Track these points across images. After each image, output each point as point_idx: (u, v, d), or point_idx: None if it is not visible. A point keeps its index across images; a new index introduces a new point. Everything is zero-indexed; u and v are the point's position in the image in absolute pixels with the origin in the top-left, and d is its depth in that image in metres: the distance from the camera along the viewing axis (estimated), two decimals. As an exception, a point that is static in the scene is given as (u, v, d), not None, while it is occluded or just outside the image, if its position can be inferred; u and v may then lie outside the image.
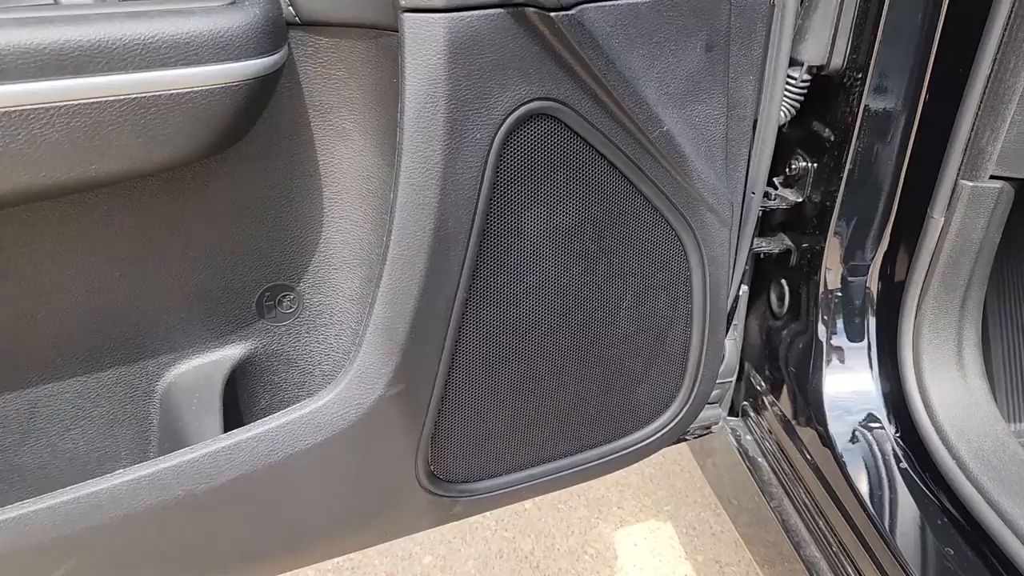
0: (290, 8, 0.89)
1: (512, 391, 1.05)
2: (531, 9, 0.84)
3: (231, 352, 1.08)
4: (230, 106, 0.84)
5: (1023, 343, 1.52)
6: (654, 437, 1.20)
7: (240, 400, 1.11)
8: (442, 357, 0.96)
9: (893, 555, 1.20)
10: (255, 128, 0.94)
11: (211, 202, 0.98)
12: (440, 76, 0.82)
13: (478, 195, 0.89)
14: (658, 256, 1.05)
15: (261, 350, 1.10)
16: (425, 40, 0.81)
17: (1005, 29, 1.07)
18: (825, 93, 1.28)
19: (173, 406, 1.05)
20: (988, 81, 1.10)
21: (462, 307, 0.95)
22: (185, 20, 0.80)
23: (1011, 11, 1.05)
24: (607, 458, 1.19)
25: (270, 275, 1.06)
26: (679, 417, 1.21)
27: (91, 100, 0.78)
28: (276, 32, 0.86)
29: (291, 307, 1.09)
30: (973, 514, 1.16)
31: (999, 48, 1.08)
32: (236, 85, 0.83)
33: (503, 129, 0.88)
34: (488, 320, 0.98)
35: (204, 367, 1.07)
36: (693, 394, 1.20)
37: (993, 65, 1.09)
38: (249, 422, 0.97)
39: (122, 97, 0.79)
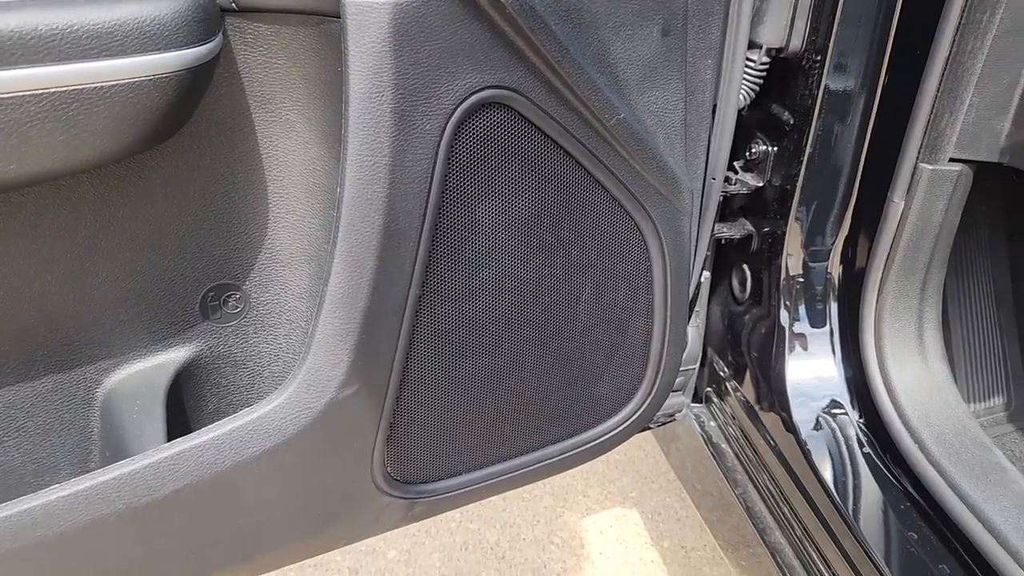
0: (226, -7, 0.84)
1: (470, 388, 1.02)
2: (479, -7, 0.80)
3: (174, 355, 1.03)
4: (161, 99, 0.79)
5: (981, 324, 1.53)
6: (618, 429, 1.18)
7: (186, 405, 1.07)
8: (396, 356, 0.93)
9: (857, 540, 1.19)
10: (192, 120, 0.90)
11: (147, 199, 0.93)
12: (386, 65, 0.78)
13: (429, 188, 0.85)
14: (617, 246, 1.03)
15: (206, 352, 1.06)
16: (369, 27, 0.77)
17: (963, 11, 1.05)
18: (784, 76, 1.26)
19: (114, 414, 1.01)
20: (947, 64, 1.09)
21: (416, 304, 0.91)
22: (109, 8, 0.75)
23: (969, -5, 1.04)
24: (571, 452, 1.16)
25: (214, 274, 1.01)
26: (642, 408, 1.19)
27: (7, 95, 0.72)
28: (209, 19, 0.81)
29: (237, 307, 1.04)
30: (935, 498, 1.16)
31: (957, 30, 1.06)
32: (166, 77, 0.78)
33: (454, 119, 0.84)
34: (443, 317, 0.95)
35: (146, 372, 1.02)
36: (656, 385, 1.18)
37: (951, 48, 1.07)
38: (196, 428, 0.93)
39: (41, 92, 0.73)
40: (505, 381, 1.04)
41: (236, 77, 0.90)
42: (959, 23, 1.06)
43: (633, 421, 1.19)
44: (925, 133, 1.14)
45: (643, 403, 1.18)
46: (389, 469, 1.03)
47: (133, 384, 1.01)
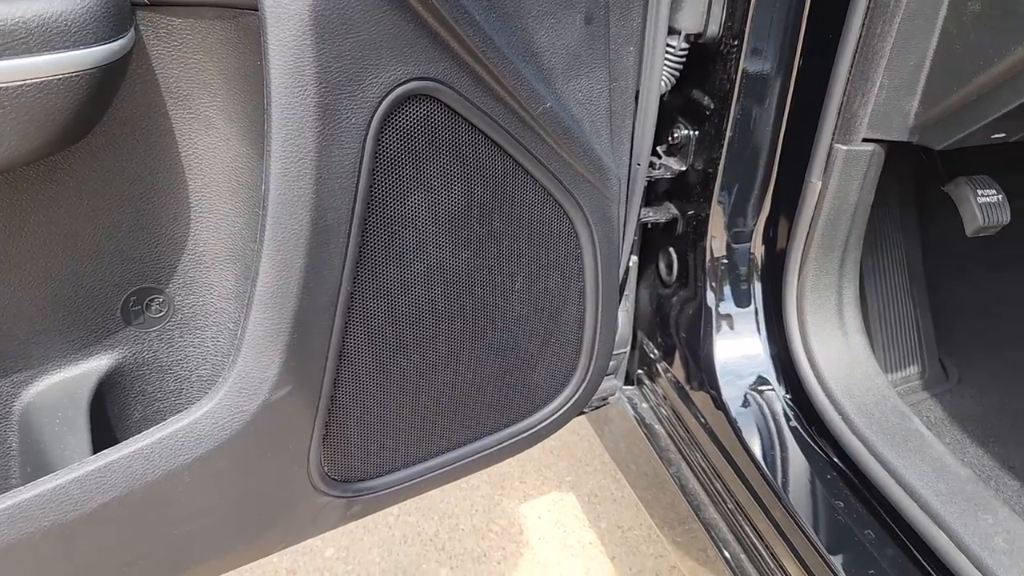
0: (135, -13, 0.81)
1: (406, 383, 1.01)
2: (400, -17, 0.79)
3: (96, 364, 1.00)
4: (70, 99, 0.75)
5: (896, 297, 1.59)
6: (554, 416, 1.19)
7: (111, 415, 1.03)
8: (329, 354, 0.91)
9: (787, 511, 1.23)
10: (105, 120, 0.86)
11: (61, 203, 0.89)
12: (307, 58, 0.77)
13: (357, 184, 0.84)
14: (548, 235, 1.03)
15: (130, 359, 1.02)
16: (289, 19, 0.75)
17: (871, -6, 1.08)
18: (703, 61, 1.28)
19: (34, 428, 0.96)
20: (857, 47, 1.12)
21: (347, 301, 0.90)
22: (12, 4, 0.71)
23: (876, -22, 1.07)
24: (508, 442, 1.16)
25: (135, 278, 0.98)
26: (578, 394, 1.20)
27: (-97, 98, 0.68)
28: (120, 15, 0.78)
29: (160, 310, 1.01)
30: (860, 467, 1.20)
31: (866, 15, 1.09)
32: (76, 75, 0.74)
33: (380, 112, 0.83)
34: (376, 312, 0.94)
35: (66, 383, 0.98)
36: (590, 371, 1.19)
37: (861, 32, 1.11)
38: (123, 438, 0.89)
39: (-60, 93, 0.70)
40: (441, 374, 1.04)
41: (150, 73, 0.87)
42: (868, 7, 1.10)
43: (569, 407, 1.20)
44: (839, 115, 1.18)
45: (578, 389, 1.19)
46: (326, 469, 1.02)
47: (53, 396, 0.97)
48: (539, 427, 1.19)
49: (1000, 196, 1.32)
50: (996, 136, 1.15)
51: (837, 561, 1.15)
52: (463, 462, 1.14)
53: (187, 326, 1.03)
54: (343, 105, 0.80)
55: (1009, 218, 1.33)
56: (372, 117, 0.82)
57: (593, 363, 1.18)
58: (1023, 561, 1.01)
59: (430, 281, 0.96)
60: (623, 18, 1.01)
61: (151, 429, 0.87)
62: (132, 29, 0.81)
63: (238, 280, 0.99)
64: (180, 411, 0.91)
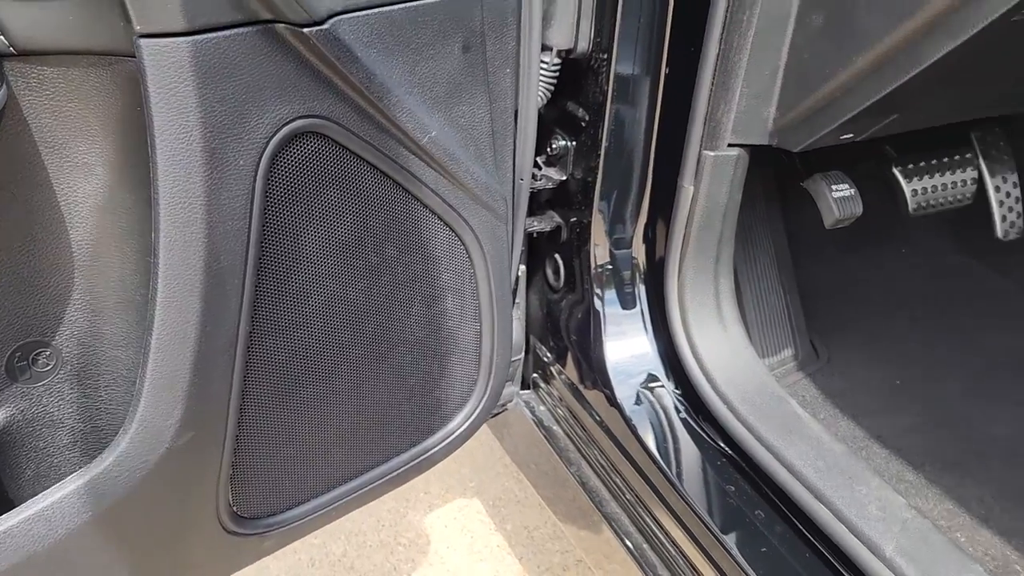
0: (2, 38, 0.78)
1: (310, 415, 1.02)
2: (281, 25, 0.79)
3: (-18, 425, 0.95)
4: (-58, 159, 0.73)
5: (767, 287, 1.69)
6: (459, 431, 1.22)
7: (2, 476, 0.99)
8: (231, 395, 0.91)
9: (683, 499, 1.30)
10: (-25, 174, 0.83)
11: (-68, 262, 0.85)
12: (191, 104, 0.76)
13: (249, 224, 0.84)
14: (441, 259, 1.06)
15: (19, 416, 0.98)
16: (169, 67, 0.75)
17: (727, 11, 1.16)
18: (576, 75, 1.34)
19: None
20: (718, 59, 1.19)
21: (246, 340, 0.90)
22: None
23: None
24: (416, 461, 1.18)
25: (19, 333, 0.94)
26: (480, 407, 1.23)
27: None
28: (-13, 69, 0.75)
29: (48, 364, 0.97)
30: (746, 452, 1.28)
31: (724, 28, 1.17)
32: (-54, 136, 0.72)
33: (268, 152, 0.83)
34: (276, 348, 0.94)
35: (-51, 448, 0.93)
36: (490, 383, 1.22)
37: (720, 45, 1.18)
38: (17, 499, 0.86)
39: None
40: (344, 402, 1.05)
41: (23, 124, 0.83)
42: (724, 23, 1.17)
43: (473, 420, 1.23)
44: (705, 123, 1.25)
45: (480, 401, 1.22)
46: (236, 508, 1.01)
47: (-63, 463, 0.93)
48: (445, 443, 1.21)
49: (853, 190, 1.44)
50: (845, 136, 1.25)
51: (731, 541, 1.22)
52: (373, 486, 1.15)
53: (77, 377, 0.99)
54: (230, 148, 0.80)
55: (862, 210, 1.44)
56: (260, 157, 0.83)
57: (492, 375, 1.22)
58: (894, 526, 1.10)
59: (328, 313, 0.97)
60: (498, 41, 1.04)
61: (51, 489, 0.85)
62: (2, 84, 0.78)
63: (130, 327, 0.97)
64: (77, 464, 0.89)
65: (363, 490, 1.13)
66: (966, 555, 1.08)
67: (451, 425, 1.21)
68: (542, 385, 1.65)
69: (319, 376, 1.00)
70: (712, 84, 1.22)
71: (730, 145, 1.25)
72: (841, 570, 1.14)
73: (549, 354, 1.61)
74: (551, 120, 1.42)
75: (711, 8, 1.17)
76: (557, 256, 1.53)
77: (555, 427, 1.61)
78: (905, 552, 1.06)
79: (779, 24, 1.16)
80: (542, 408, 1.64)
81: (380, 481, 1.15)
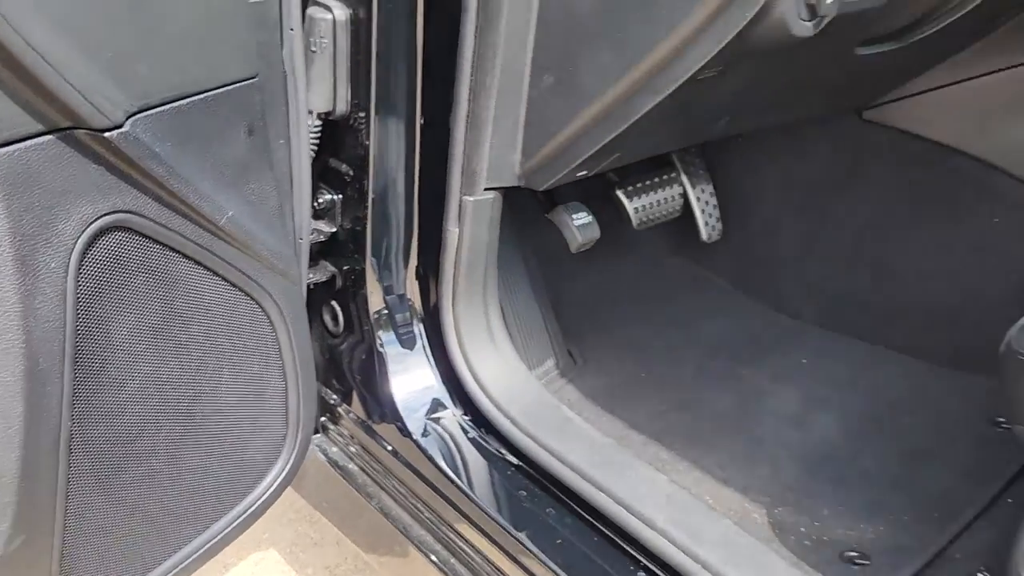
0: None
1: (134, 496, 1.03)
2: (81, 131, 0.82)
3: None
4: None
5: (527, 305, 1.86)
6: (273, 488, 1.26)
7: None
8: (58, 494, 0.91)
9: (480, 509, 1.40)
10: None
11: None
12: (-2, 216, 0.77)
13: (64, 324, 0.85)
14: (244, 327, 1.11)
15: None
16: (-30, 181, 0.75)
17: (472, 73, 1.31)
18: (338, 133, 1.43)
19: None
20: (468, 115, 1.34)
21: (69, 437, 0.90)
22: None
23: (473, 63, 1.29)
24: (233, 525, 1.21)
25: None
26: (292, 459, 1.28)
27: None
28: None
29: None
30: (531, 458, 1.42)
31: (470, 89, 1.31)
32: None
33: (76, 251, 0.85)
34: (97, 439, 0.95)
35: None
36: (299, 435, 1.28)
37: (469, 103, 1.33)
38: None
39: None
40: (164, 478, 1.06)
41: None
42: (471, 82, 1.32)
43: (285, 475, 1.28)
44: (463, 171, 1.39)
45: (291, 454, 1.28)
46: (64, 605, 1.00)
47: None
48: (260, 502, 1.25)
49: (590, 217, 1.66)
50: (580, 174, 1.45)
51: (527, 539, 1.36)
52: (193, 557, 1.17)
53: None
54: (39, 252, 0.81)
55: (600, 233, 1.66)
56: (69, 258, 0.84)
57: (301, 427, 1.28)
58: (661, 500, 1.30)
59: (144, 395, 0.99)
60: (274, 119, 1.11)
61: None
62: None
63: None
64: None
65: (189, 560, 1.14)
66: (717, 512, 1.31)
67: (264, 483, 1.25)
68: (331, 427, 1.70)
69: (139, 457, 1.01)
70: (465, 137, 1.36)
71: (486, 189, 1.41)
72: (624, 546, 1.30)
73: (335, 396, 1.67)
74: (315, 175, 1.49)
75: (458, 71, 1.30)
76: (334, 303, 1.59)
77: (350, 464, 1.66)
78: (673, 520, 1.25)
79: (517, 82, 1.32)
80: (334, 449, 1.69)
81: (204, 548, 1.17)
